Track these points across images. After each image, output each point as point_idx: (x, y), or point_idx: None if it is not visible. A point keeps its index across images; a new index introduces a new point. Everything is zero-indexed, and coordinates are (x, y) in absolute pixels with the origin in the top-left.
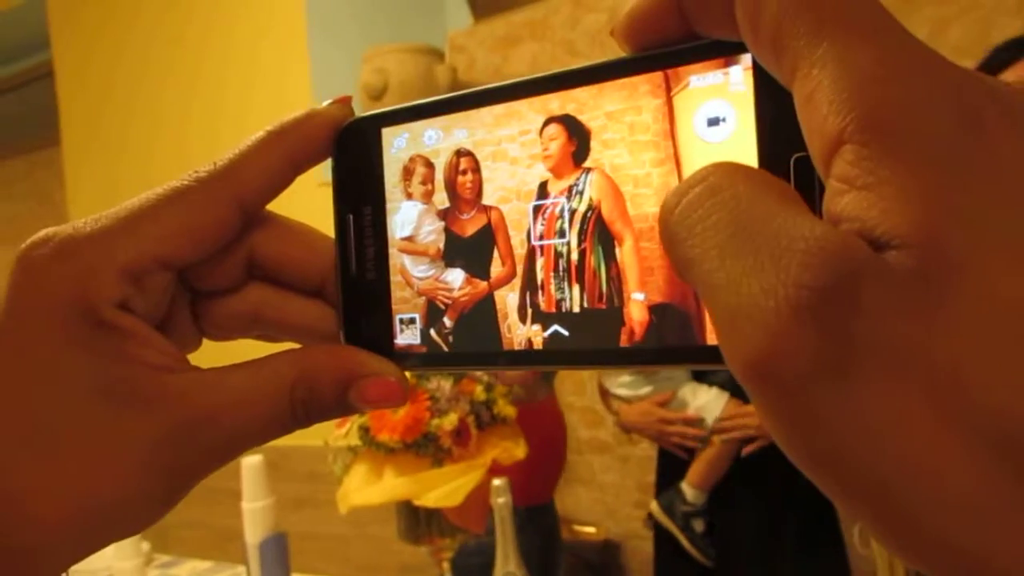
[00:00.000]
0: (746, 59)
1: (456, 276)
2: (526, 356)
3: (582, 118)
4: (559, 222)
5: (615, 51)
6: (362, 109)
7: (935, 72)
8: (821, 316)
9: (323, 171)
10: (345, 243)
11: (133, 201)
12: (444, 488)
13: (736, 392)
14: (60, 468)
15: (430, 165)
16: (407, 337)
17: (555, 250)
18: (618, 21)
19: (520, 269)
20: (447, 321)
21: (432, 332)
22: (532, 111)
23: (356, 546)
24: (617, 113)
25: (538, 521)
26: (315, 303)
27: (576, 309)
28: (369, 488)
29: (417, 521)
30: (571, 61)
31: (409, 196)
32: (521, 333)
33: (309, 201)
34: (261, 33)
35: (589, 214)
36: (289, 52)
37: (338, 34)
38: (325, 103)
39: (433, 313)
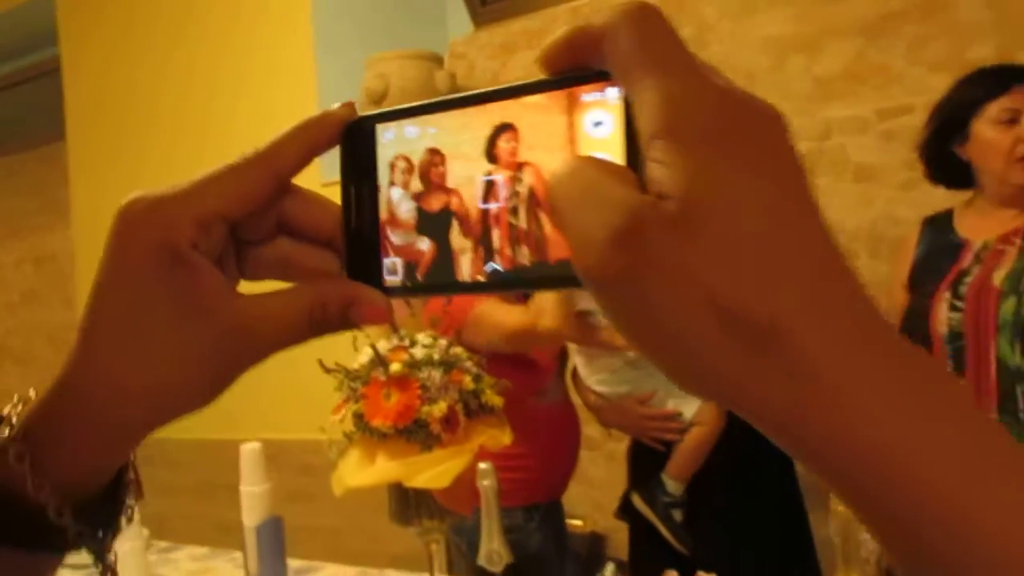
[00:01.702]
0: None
1: (425, 239)
2: (471, 286)
3: (520, 125)
4: (509, 200)
5: None
6: (365, 111)
7: (706, 94)
8: (624, 243)
9: (323, 173)
10: (348, 207)
11: (202, 173)
12: (433, 471)
13: None
14: (146, 361)
15: (410, 161)
16: (391, 275)
17: (498, 216)
18: (538, 56)
19: (473, 230)
20: (420, 266)
21: (408, 271)
22: (485, 116)
23: (348, 536)
24: (540, 123)
25: (552, 519)
26: (326, 251)
27: (515, 256)
28: (362, 471)
29: (407, 504)
30: None
31: (394, 182)
32: (469, 274)
33: None
34: (269, 39)
35: (528, 194)
36: (296, 58)
37: (343, 42)
38: (335, 106)
39: (408, 247)
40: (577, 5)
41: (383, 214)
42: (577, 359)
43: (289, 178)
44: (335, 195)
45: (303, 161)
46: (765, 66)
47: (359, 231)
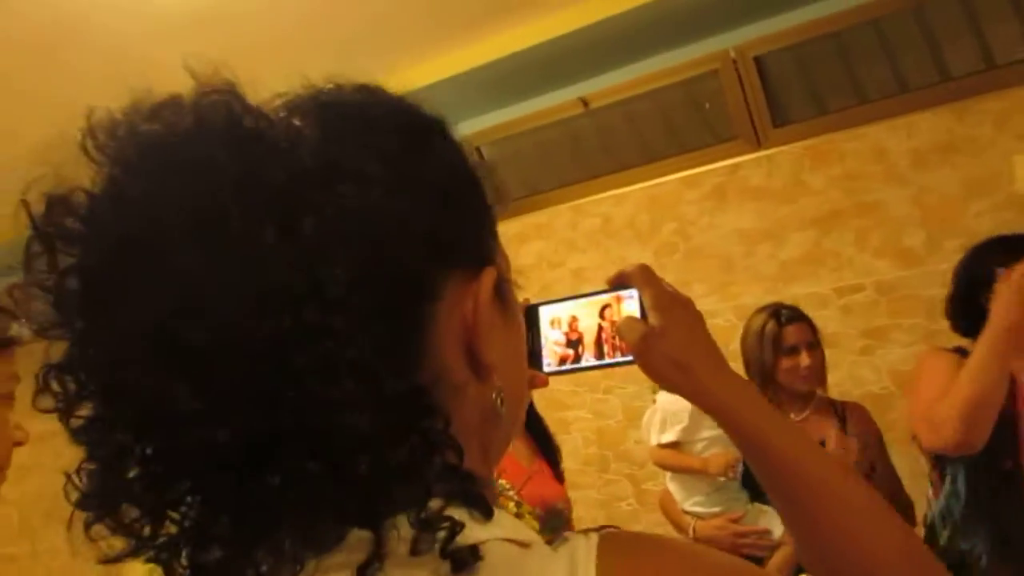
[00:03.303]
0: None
1: (569, 350)
2: (589, 368)
3: (610, 305)
4: (609, 332)
5: (607, 248)
6: None
7: (665, 294)
8: (643, 341)
9: None
10: (528, 339)
11: None
12: None
13: None
14: None
15: (559, 320)
16: (547, 361)
17: (606, 339)
18: (607, 280)
19: (592, 345)
20: (565, 359)
21: (560, 361)
22: (593, 304)
23: None
24: (614, 304)
25: None
26: None
27: (612, 354)
28: None
29: None
30: (571, 255)
31: (552, 327)
32: (588, 361)
33: None
34: None
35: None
36: None
37: None
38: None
39: (563, 354)
40: (577, 204)
41: (545, 340)
42: (671, 485)
43: None
44: None
45: None
46: (739, 253)
47: (532, 347)
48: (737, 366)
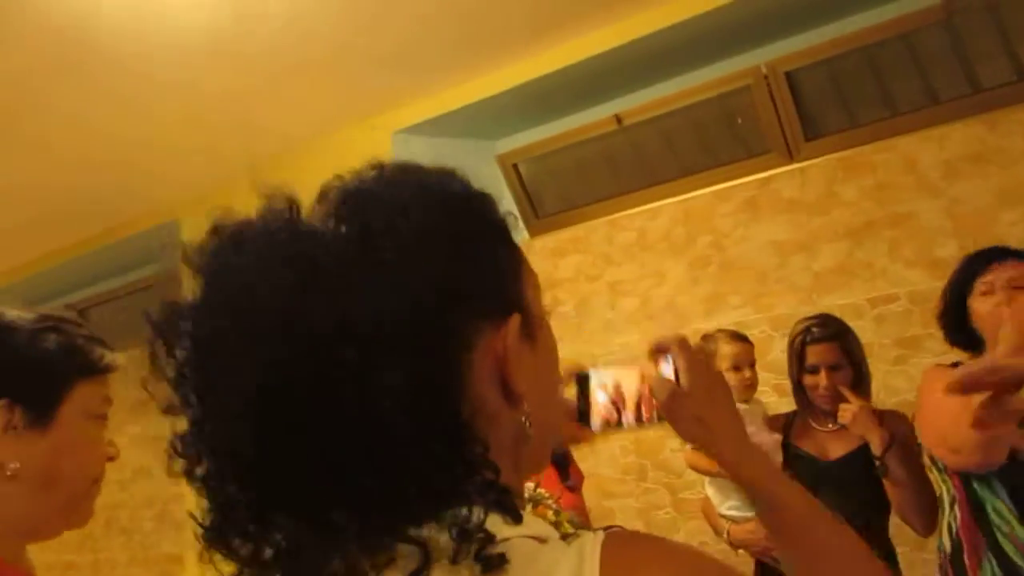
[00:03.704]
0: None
1: (612, 409)
2: (629, 427)
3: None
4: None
5: (642, 261)
6: None
7: (697, 362)
8: (671, 399)
9: None
10: (579, 401)
11: None
12: None
13: None
14: None
15: (607, 385)
16: (595, 421)
17: (644, 402)
18: (648, 348)
19: (631, 407)
20: (609, 420)
21: (605, 423)
22: (633, 371)
23: None
24: (652, 368)
25: None
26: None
27: (650, 412)
28: None
29: None
30: (608, 268)
31: (601, 391)
32: (628, 422)
33: None
34: None
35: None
36: None
37: None
38: (571, 366)
39: (608, 415)
40: (612, 218)
41: (594, 399)
42: (709, 490)
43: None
44: None
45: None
46: (773, 264)
47: (583, 409)
48: (773, 376)
